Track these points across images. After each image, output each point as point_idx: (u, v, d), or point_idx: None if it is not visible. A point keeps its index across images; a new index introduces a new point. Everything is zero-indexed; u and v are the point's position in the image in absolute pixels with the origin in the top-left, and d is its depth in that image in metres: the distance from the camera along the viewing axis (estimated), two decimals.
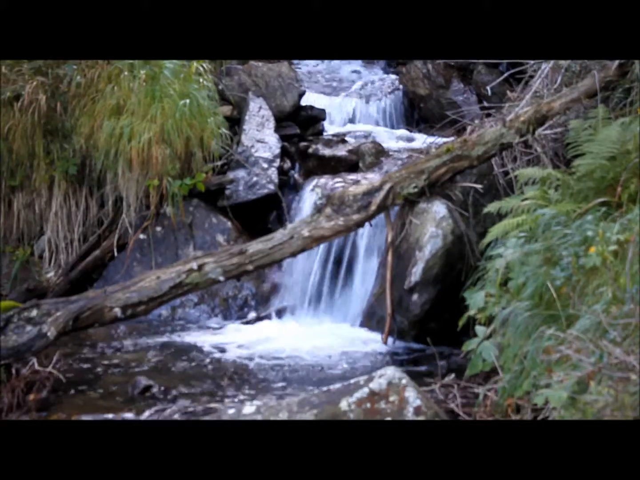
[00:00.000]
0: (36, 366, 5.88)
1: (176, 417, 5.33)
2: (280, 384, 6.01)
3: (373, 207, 6.84)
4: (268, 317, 7.62)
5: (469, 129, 7.74)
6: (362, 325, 7.33)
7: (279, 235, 6.70)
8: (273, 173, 8.31)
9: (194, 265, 6.39)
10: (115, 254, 8.12)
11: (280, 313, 7.66)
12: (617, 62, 6.66)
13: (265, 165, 8.34)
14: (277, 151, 8.56)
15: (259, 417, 4.92)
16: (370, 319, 7.28)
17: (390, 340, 6.89)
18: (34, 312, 5.93)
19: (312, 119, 9.43)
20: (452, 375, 5.52)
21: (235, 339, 7.09)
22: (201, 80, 8.25)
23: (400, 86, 10.68)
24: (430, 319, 6.86)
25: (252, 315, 7.69)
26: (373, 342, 6.98)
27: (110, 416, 5.36)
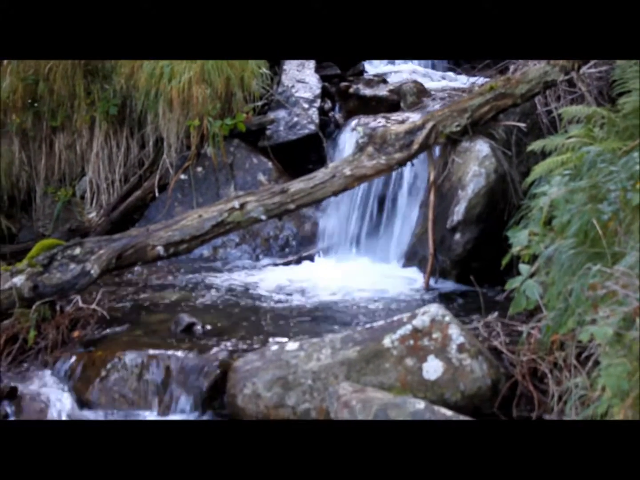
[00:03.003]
0: (80, 303, 5.94)
1: (219, 354, 5.36)
2: (322, 322, 6.02)
3: (415, 146, 6.80)
4: (310, 257, 7.62)
5: (512, 67, 7.66)
6: (405, 265, 7.30)
7: (320, 174, 6.68)
8: (314, 113, 8.27)
9: (236, 204, 6.39)
10: (157, 194, 8.14)
11: (321, 253, 7.65)
12: None
13: (305, 106, 8.31)
14: (318, 91, 8.52)
15: (302, 354, 4.97)
16: (413, 259, 7.25)
17: (432, 280, 6.88)
18: (77, 250, 5.97)
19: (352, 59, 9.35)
20: (495, 314, 5.52)
21: (277, 279, 7.10)
22: None
23: None
24: (472, 258, 6.83)
25: (293, 255, 7.70)
26: (415, 281, 6.97)
27: (154, 352, 5.41)
